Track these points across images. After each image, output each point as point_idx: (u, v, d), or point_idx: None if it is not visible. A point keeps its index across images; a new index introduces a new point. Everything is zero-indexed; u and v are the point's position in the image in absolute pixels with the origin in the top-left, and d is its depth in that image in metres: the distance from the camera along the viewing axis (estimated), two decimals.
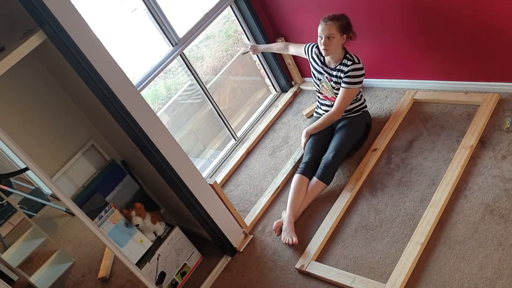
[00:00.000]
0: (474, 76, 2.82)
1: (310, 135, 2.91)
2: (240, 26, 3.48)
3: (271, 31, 3.53)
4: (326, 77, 2.85)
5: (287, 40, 3.53)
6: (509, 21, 2.41)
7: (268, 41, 3.48)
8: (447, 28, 2.65)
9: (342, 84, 2.75)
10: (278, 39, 3.53)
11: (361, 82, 2.75)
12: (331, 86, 2.84)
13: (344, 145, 2.79)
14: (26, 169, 1.93)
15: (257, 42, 3.52)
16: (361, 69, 2.73)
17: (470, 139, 2.55)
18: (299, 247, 2.54)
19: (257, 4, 3.38)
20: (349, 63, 2.73)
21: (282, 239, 2.61)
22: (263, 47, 3.40)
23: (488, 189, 2.31)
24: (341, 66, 2.75)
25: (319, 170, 2.74)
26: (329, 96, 2.92)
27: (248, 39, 3.52)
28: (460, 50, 2.73)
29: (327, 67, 2.84)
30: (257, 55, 3.60)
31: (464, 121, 2.72)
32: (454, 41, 2.69)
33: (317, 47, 2.89)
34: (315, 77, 2.97)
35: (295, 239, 2.56)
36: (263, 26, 3.44)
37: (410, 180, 2.57)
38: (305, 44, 3.04)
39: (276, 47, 3.36)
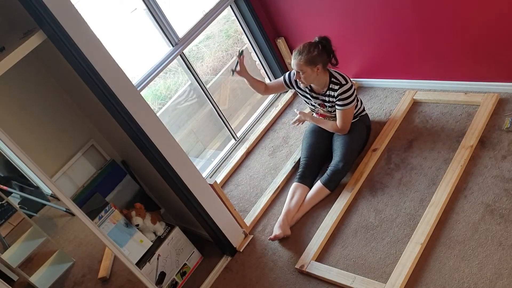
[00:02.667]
0: (474, 76, 2.82)
1: (302, 120, 2.92)
2: (240, 26, 3.48)
3: (271, 31, 3.53)
4: (319, 104, 2.84)
5: (286, 39, 3.53)
6: (509, 21, 2.41)
7: (268, 41, 3.48)
8: (447, 28, 2.65)
9: (337, 107, 2.74)
10: (278, 39, 3.53)
11: (354, 99, 2.72)
12: (328, 110, 2.83)
13: (352, 153, 2.78)
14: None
15: (257, 42, 3.52)
16: (349, 88, 2.68)
17: (470, 139, 2.55)
18: (299, 247, 2.54)
19: (257, 4, 3.38)
20: (336, 87, 2.69)
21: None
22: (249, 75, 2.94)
23: (488, 189, 2.31)
24: (330, 91, 2.73)
25: (325, 176, 2.73)
26: (328, 115, 2.91)
27: (248, 39, 3.52)
28: (460, 50, 2.73)
29: (317, 94, 2.82)
30: (256, 54, 3.59)
31: (464, 121, 2.72)
32: (454, 41, 2.69)
33: None
34: (307, 103, 2.95)
35: (278, 233, 2.60)
36: (263, 26, 3.44)
37: (410, 180, 2.57)
38: (283, 76, 2.95)
39: (256, 83, 3.00)
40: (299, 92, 2.93)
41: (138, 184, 2.76)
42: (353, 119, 2.89)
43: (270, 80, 3.72)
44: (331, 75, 2.72)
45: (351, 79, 3.40)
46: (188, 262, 2.70)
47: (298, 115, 2.90)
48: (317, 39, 2.64)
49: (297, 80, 2.71)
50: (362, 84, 3.43)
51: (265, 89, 3.05)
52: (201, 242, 2.78)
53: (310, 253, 2.45)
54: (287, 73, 2.94)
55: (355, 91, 2.74)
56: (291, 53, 3.66)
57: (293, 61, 2.64)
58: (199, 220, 2.55)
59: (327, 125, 2.84)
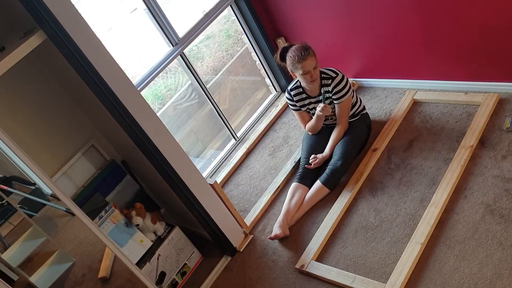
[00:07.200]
0: (474, 76, 2.82)
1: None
2: (240, 26, 3.48)
3: (271, 31, 3.53)
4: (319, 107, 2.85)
5: (286, 39, 3.53)
6: (509, 21, 2.41)
7: (268, 41, 3.48)
8: (447, 28, 2.65)
9: (335, 101, 2.76)
10: (278, 38, 3.53)
11: (349, 88, 2.75)
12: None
13: (351, 152, 2.78)
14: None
15: (257, 42, 3.51)
16: (342, 79, 2.71)
17: (470, 139, 2.55)
18: (299, 247, 2.54)
19: (257, 4, 3.38)
20: (329, 82, 2.72)
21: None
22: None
23: (488, 189, 2.31)
24: (324, 88, 2.75)
25: (324, 175, 2.74)
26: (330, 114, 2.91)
27: (249, 39, 3.52)
28: (460, 50, 2.73)
29: (314, 97, 2.83)
30: (256, 54, 3.59)
31: (464, 121, 2.72)
32: (454, 41, 2.69)
33: (292, 89, 2.88)
34: (309, 112, 2.94)
35: (278, 232, 2.60)
36: (263, 26, 3.44)
37: (410, 180, 2.57)
38: (292, 107, 2.96)
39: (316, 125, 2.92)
40: (303, 107, 2.92)
41: (138, 184, 2.76)
42: (354, 118, 2.90)
43: (270, 80, 3.73)
44: (321, 72, 2.75)
45: (351, 79, 3.42)
46: (188, 262, 2.70)
47: (318, 160, 2.81)
48: (292, 45, 2.69)
49: (311, 83, 2.69)
50: (362, 84, 3.43)
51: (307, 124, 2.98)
52: (201, 242, 2.78)
53: (310, 253, 2.45)
54: (288, 101, 2.94)
55: (348, 80, 2.75)
56: None
57: (304, 63, 2.60)
58: (199, 220, 2.55)
59: (338, 134, 2.82)
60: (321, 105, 2.75)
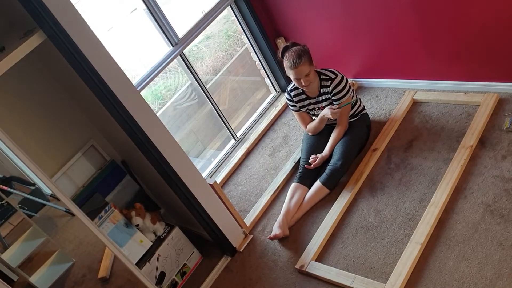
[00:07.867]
0: (473, 76, 2.82)
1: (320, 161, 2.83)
2: (240, 26, 3.48)
3: (271, 31, 3.53)
4: (319, 108, 2.85)
5: (286, 39, 3.53)
6: (509, 21, 2.41)
7: (268, 41, 3.48)
8: (447, 28, 2.65)
9: (334, 102, 2.76)
10: (278, 38, 3.53)
11: (349, 89, 2.75)
12: None
13: (351, 152, 2.78)
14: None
15: (257, 42, 3.51)
16: (341, 80, 2.72)
17: (470, 139, 2.55)
18: (299, 247, 2.54)
19: (257, 4, 3.38)
20: (328, 83, 2.72)
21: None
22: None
23: (488, 189, 2.31)
24: (324, 89, 2.76)
25: (324, 175, 2.74)
26: None
27: (248, 39, 3.52)
28: (460, 50, 2.73)
29: (313, 98, 2.84)
30: (256, 54, 3.59)
31: (464, 121, 2.72)
32: (454, 41, 2.69)
33: (291, 90, 2.88)
34: (309, 112, 2.95)
35: (278, 232, 2.60)
36: (263, 26, 3.44)
37: (410, 180, 2.57)
38: (292, 108, 2.96)
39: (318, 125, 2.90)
40: (302, 107, 2.92)
41: (138, 184, 2.76)
42: (353, 118, 2.89)
43: (270, 80, 3.73)
44: (320, 73, 2.76)
45: (351, 79, 3.42)
46: (188, 262, 2.70)
47: (317, 160, 2.81)
48: (293, 44, 2.68)
49: (303, 87, 2.71)
50: (362, 84, 3.43)
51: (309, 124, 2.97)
52: (201, 242, 2.78)
53: (310, 253, 2.45)
54: (288, 101, 2.95)
55: (348, 81, 2.76)
56: None
57: (296, 70, 2.61)
58: (199, 220, 2.55)
59: (338, 134, 2.82)
60: (334, 106, 2.73)
